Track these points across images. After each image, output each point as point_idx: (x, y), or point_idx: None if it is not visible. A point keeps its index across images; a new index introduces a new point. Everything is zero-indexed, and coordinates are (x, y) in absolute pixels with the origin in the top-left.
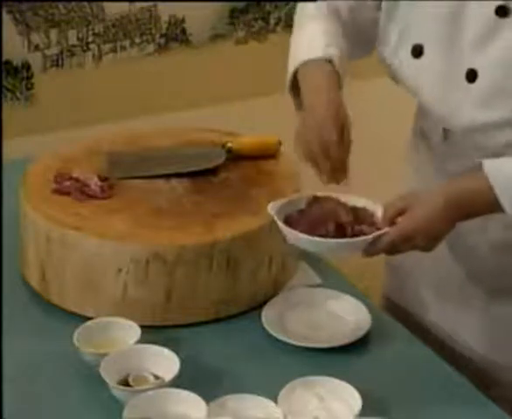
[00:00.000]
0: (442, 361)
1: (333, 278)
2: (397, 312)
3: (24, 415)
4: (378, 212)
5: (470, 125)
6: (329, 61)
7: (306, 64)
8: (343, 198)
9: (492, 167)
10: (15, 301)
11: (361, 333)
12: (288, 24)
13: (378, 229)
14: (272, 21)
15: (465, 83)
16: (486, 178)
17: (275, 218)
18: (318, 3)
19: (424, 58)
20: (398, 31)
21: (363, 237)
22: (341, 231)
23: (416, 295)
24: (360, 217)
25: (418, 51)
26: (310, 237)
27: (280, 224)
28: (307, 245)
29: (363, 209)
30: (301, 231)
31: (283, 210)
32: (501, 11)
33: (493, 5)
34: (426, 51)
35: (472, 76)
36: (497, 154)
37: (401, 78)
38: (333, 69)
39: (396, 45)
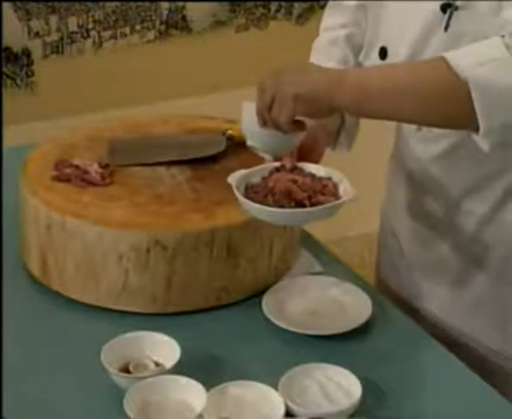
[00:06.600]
0: (442, 348)
1: (334, 266)
2: (391, 296)
3: (24, 402)
4: (343, 184)
5: None
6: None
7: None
8: (309, 168)
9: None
10: (15, 288)
11: (361, 321)
12: (289, 11)
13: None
14: (272, 7)
15: None
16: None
17: (233, 187)
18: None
19: (388, 59)
20: (369, 37)
21: (306, 209)
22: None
23: (410, 279)
24: (322, 188)
25: (383, 53)
26: (257, 206)
27: (236, 192)
28: (257, 214)
29: (328, 180)
30: (256, 201)
31: (245, 180)
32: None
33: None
34: (389, 52)
35: None
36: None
37: None
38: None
39: (367, 49)
